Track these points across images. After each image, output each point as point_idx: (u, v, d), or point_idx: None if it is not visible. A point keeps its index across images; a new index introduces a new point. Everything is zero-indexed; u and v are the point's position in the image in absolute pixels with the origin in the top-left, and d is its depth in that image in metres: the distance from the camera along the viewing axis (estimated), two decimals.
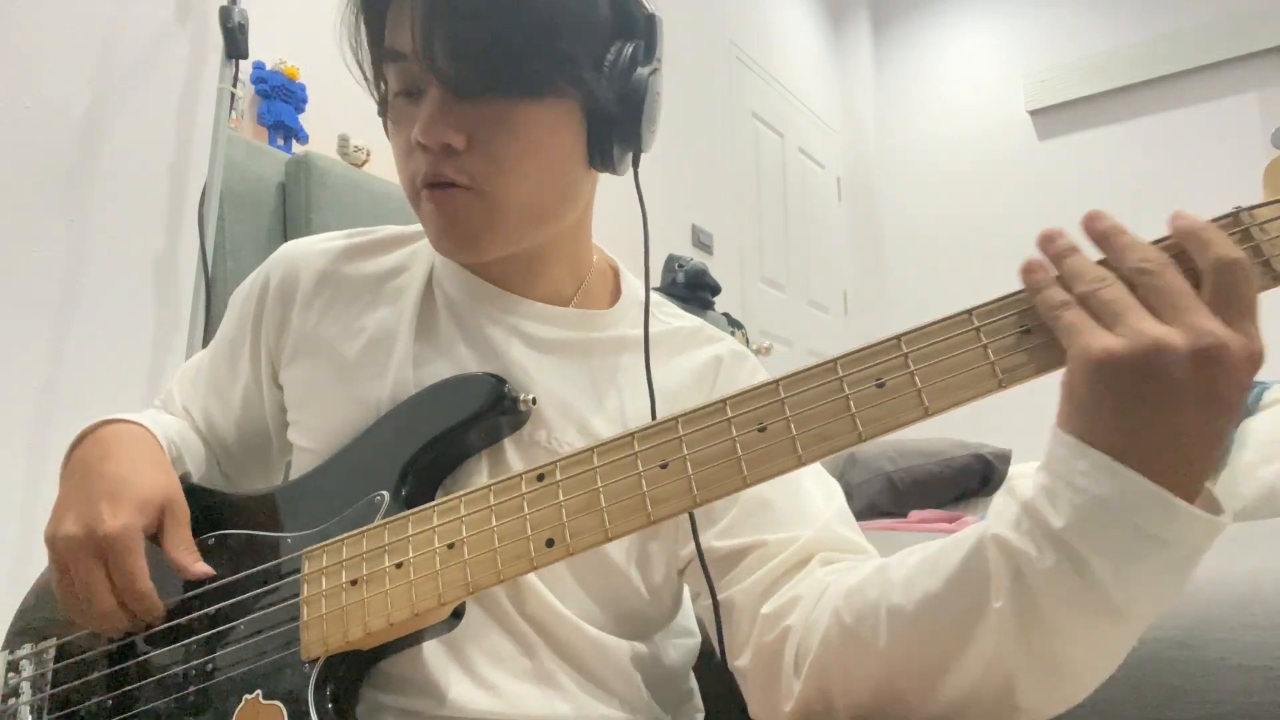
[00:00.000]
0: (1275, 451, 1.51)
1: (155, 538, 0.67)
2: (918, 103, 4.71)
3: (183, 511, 0.68)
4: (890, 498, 1.97)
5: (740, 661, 0.64)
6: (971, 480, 1.96)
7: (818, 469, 0.72)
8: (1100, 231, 0.47)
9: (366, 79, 0.71)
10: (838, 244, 4.60)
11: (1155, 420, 0.43)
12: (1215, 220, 0.46)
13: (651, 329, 0.74)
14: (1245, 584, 0.76)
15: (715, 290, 3.05)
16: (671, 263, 3.02)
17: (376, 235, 0.82)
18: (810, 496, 0.69)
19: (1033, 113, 4.34)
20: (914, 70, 4.76)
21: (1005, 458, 1.97)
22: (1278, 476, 1.48)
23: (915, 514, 1.84)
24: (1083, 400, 0.45)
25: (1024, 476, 0.50)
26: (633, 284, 0.80)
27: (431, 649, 0.64)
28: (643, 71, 0.68)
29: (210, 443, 0.84)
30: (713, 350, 0.77)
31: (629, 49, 0.67)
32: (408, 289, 0.76)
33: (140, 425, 0.74)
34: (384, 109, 0.71)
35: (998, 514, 0.50)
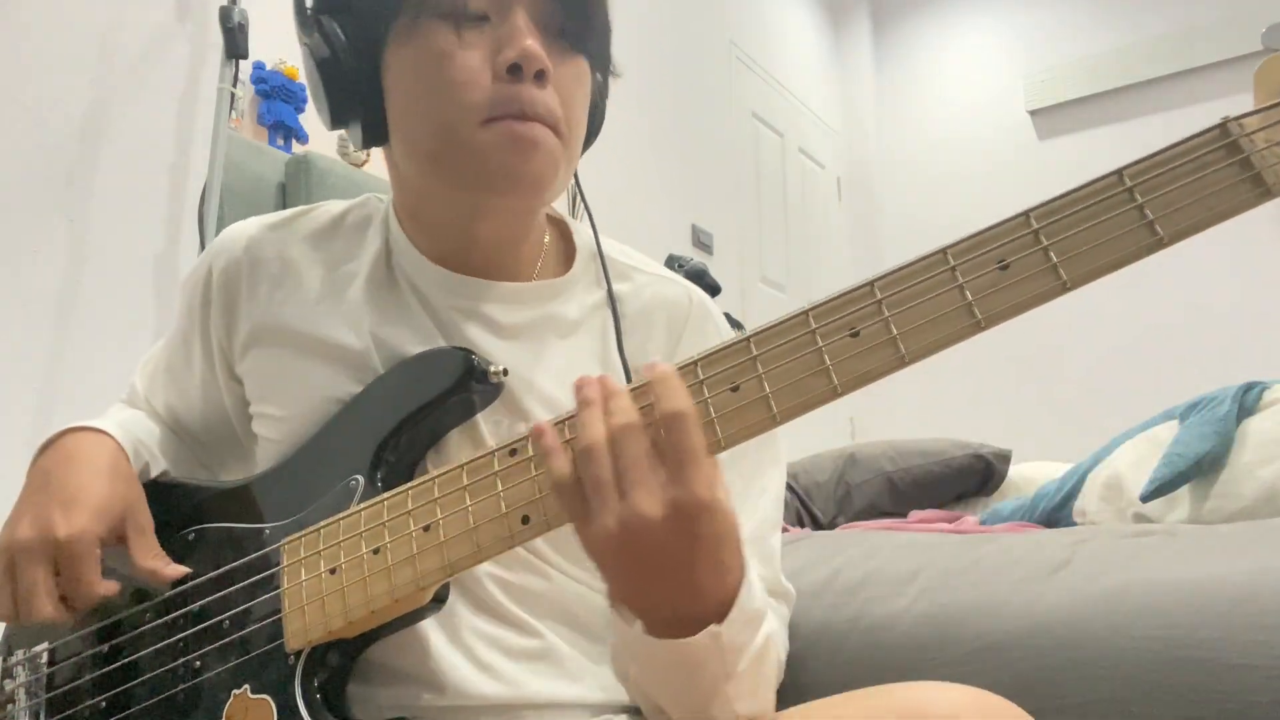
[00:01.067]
0: (1275, 452, 1.51)
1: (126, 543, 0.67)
2: (918, 103, 4.71)
3: (144, 518, 0.68)
4: (890, 498, 1.96)
5: None
6: (971, 480, 1.96)
7: (771, 467, 0.74)
8: (581, 400, 0.52)
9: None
10: (838, 244, 4.60)
11: (634, 579, 0.52)
12: (1202, 132, 0.44)
13: (614, 284, 0.75)
14: (1245, 583, 0.76)
15: (715, 290, 3.04)
16: (671, 263, 3.02)
17: (322, 213, 0.78)
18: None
19: (1033, 113, 4.34)
20: (914, 70, 4.75)
21: (1005, 458, 1.97)
22: (1277, 476, 1.47)
23: (915, 514, 1.84)
24: (597, 564, 0.53)
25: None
26: (584, 235, 0.78)
27: (429, 635, 0.64)
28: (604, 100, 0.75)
29: (179, 433, 0.83)
30: (680, 303, 0.76)
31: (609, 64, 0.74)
32: (364, 270, 0.73)
33: (105, 433, 0.72)
34: (423, 35, 0.65)
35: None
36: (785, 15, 4.41)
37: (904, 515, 1.87)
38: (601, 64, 0.72)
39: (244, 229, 0.79)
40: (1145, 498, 1.58)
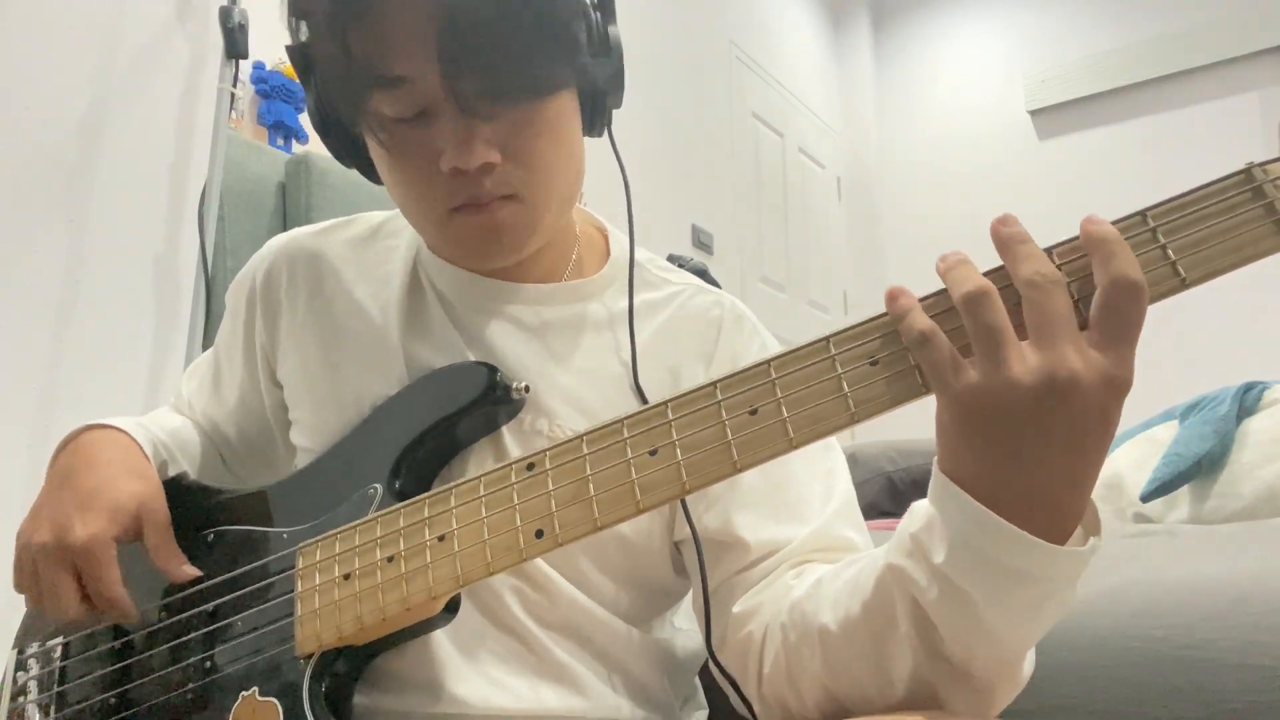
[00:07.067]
0: (1275, 451, 1.51)
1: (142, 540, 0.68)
2: (918, 103, 4.71)
3: (160, 516, 0.68)
4: (890, 498, 1.97)
5: (721, 656, 0.65)
6: None
7: (834, 452, 0.72)
8: (1003, 237, 0.45)
9: (347, 117, 0.65)
10: (838, 244, 4.60)
11: (1017, 457, 0.43)
12: (1227, 176, 0.44)
13: (644, 292, 0.75)
14: (1245, 583, 0.76)
15: None
16: (671, 262, 3.02)
17: (363, 222, 0.80)
18: (811, 492, 0.68)
19: (1033, 113, 4.34)
20: (914, 70, 4.75)
21: None
22: (1277, 476, 1.48)
23: None
24: (949, 437, 0.46)
25: (922, 500, 0.51)
26: (622, 243, 0.78)
27: (439, 645, 0.64)
28: (614, 31, 0.67)
29: (215, 440, 0.84)
30: (712, 312, 0.76)
31: (596, 15, 0.66)
32: (393, 280, 0.75)
33: (122, 431, 0.73)
34: (372, 136, 0.65)
35: (898, 539, 0.51)
36: (785, 15, 4.42)
37: (904, 515, 1.86)
38: (572, 76, 0.65)
39: (288, 237, 0.81)
40: (1145, 498, 1.58)
